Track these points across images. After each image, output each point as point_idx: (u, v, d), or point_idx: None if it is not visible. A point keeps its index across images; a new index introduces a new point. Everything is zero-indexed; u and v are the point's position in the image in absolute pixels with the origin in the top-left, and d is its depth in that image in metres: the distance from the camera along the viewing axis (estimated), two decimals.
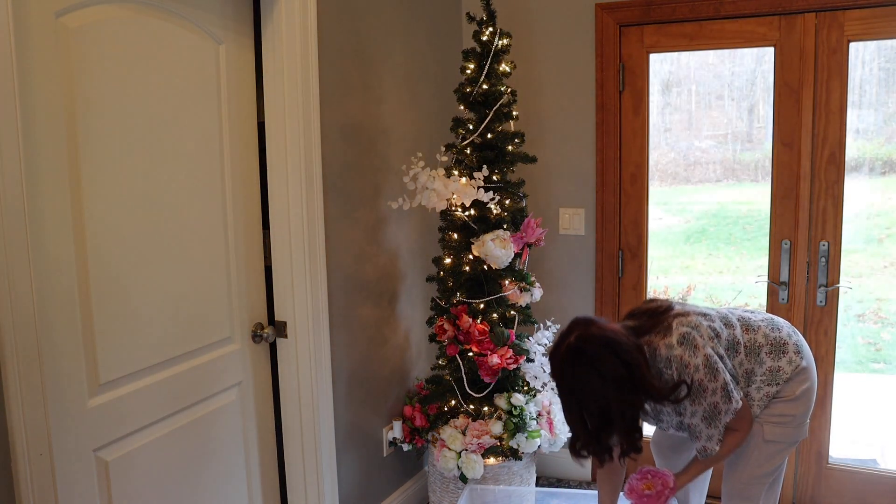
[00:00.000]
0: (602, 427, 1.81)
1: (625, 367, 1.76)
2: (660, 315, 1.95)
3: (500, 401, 2.63)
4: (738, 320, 2.03)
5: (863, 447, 3.47)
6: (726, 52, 3.14)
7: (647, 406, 1.96)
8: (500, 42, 2.57)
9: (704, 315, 1.97)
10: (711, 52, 3.20)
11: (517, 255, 2.63)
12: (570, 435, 1.93)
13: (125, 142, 1.78)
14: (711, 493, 2.41)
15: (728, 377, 1.88)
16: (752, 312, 2.11)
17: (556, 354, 1.83)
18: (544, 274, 3.16)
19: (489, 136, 2.58)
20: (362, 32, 2.54)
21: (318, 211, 2.31)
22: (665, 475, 1.97)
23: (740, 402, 1.89)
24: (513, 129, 2.66)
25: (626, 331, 1.87)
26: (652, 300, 2.08)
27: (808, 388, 2.02)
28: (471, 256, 2.60)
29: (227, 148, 2.11)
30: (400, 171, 2.71)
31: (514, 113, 2.62)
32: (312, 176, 2.28)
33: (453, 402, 2.68)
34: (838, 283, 2.76)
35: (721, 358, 1.91)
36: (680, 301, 2.11)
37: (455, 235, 2.65)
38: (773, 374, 1.99)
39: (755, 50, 2.99)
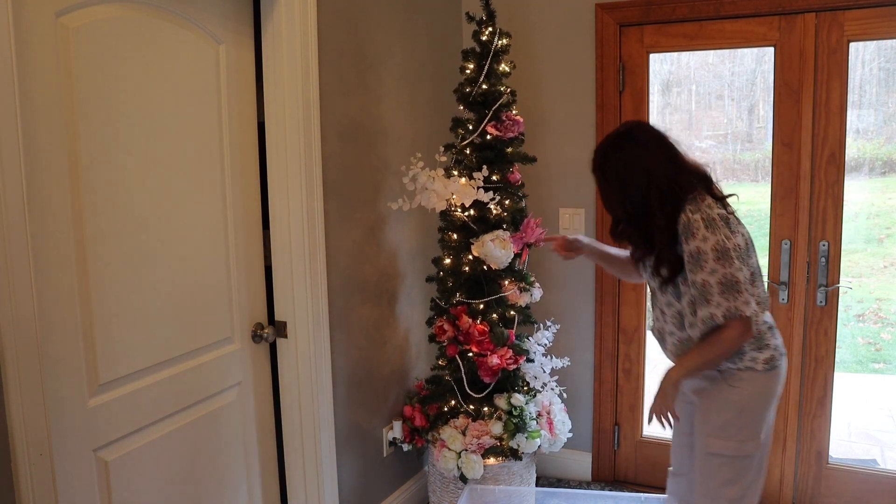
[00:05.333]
0: (640, 211, 1.91)
1: (667, 153, 1.89)
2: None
3: (500, 401, 2.63)
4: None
5: (863, 447, 3.47)
6: (726, 52, 3.14)
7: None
8: (500, 42, 2.57)
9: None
10: (711, 52, 3.20)
11: (517, 256, 2.63)
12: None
13: (125, 142, 1.78)
14: None
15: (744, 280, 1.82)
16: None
17: (604, 141, 1.97)
18: (544, 274, 3.16)
19: (488, 136, 2.58)
20: (362, 32, 2.54)
21: (318, 211, 2.31)
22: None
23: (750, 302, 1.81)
24: None
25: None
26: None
27: (759, 402, 1.92)
28: (470, 257, 2.60)
29: (227, 148, 2.11)
30: (399, 171, 2.71)
31: (514, 113, 2.62)
32: (312, 176, 2.28)
33: (453, 403, 2.68)
34: (838, 283, 2.76)
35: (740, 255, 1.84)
36: None
37: (455, 236, 2.65)
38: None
39: (755, 50, 3.00)
